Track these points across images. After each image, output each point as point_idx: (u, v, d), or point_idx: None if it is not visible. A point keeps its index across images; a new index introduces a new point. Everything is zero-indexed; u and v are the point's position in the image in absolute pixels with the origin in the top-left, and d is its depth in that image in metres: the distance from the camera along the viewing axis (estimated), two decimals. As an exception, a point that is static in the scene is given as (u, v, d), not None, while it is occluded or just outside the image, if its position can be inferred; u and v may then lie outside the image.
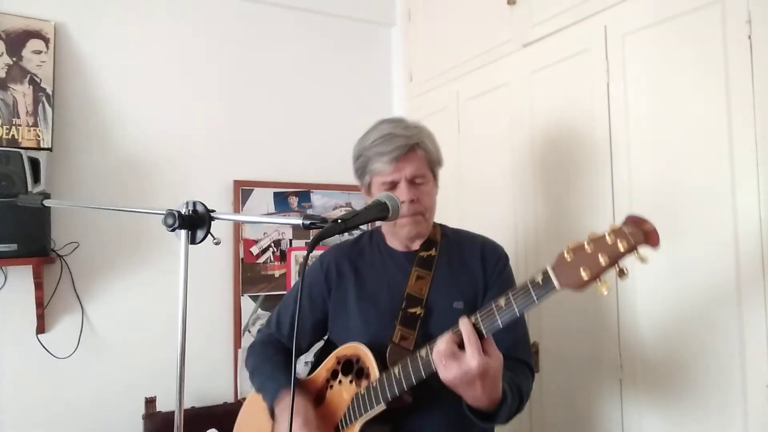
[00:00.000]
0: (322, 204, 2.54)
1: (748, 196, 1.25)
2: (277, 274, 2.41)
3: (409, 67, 2.63)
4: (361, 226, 1.30)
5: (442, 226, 1.39)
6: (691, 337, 1.38)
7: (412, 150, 1.25)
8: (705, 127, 1.35)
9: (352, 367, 1.22)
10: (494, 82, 2.05)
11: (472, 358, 0.94)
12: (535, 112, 1.86)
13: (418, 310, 1.24)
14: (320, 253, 1.45)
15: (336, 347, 1.29)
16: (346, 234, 1.07)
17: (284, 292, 2.41)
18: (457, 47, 2.25)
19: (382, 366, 1.16)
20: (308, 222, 0.89)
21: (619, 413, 1.54)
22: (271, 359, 1.37)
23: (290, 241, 2.45)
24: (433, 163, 1.31)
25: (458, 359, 0.95)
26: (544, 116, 1.82)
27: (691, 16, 1.37)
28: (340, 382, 1.24)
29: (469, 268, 1.31)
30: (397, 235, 1.32)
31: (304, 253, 2.44)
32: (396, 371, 1.10)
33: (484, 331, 0.96)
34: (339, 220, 0.93)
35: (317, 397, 1.28)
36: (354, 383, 1.20)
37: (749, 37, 1.25)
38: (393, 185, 1.25)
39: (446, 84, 2.32)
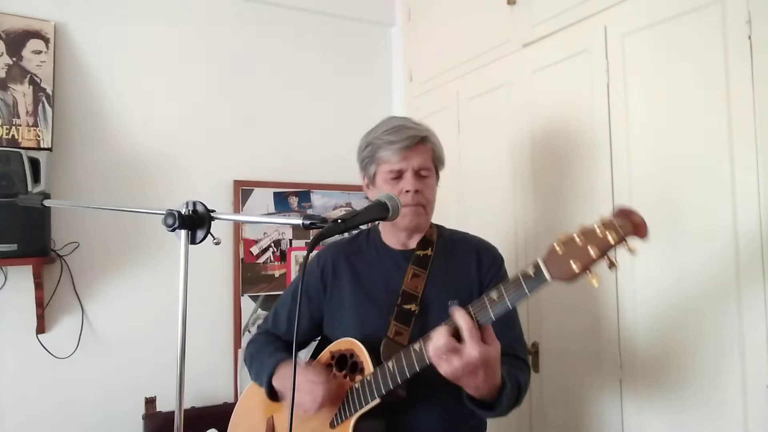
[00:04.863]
0: (322, 204, 2.54)
1: (748, 196, 1.25)
2: (277, 274, 2.41)
3: (409, 67, 2.63)
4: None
5: (438, 226, 1.40)
6: (691, 336, 1.38)
7: (422, 142, 1.29)
8: (705, 128, 1.35)
9: (346, 362, 1.23)
10: (494, 82, 2.05)
11: (473, 348, 0.95)
12: (535, 112, 1.86)
13: (413, 307, 1.25)
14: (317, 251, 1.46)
15: (331, 343, 1.29)
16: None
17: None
18: (457, 47, 2.25)
19: (376, 361, 1.17)
20: (308, 222, 0.89)
21: (619, 413, 1.54)
22: (270, 344, 1.39)
23: (290, 241, 2.45)
24: (437, 160, 1.34)
25: (459, 352, 0.96)
26: (544, 116, 1.82)
27: (691, 16, 1.37)
28: (334, 376, 1.24)
29: (465, 269, 1.32)
30: (396, 226, 1.32)
31: (304, 253, 2.44)
32: (390, 365, 1.11)
33: (479, 322, 0.97)
34: (339, 220, 0.93)
35: None
36: (348, 378, 1.21)
37: (749, 37, 1.25)
38: (399, 174, 1.27)
39: (446, 84, 2.32)
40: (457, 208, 2.20)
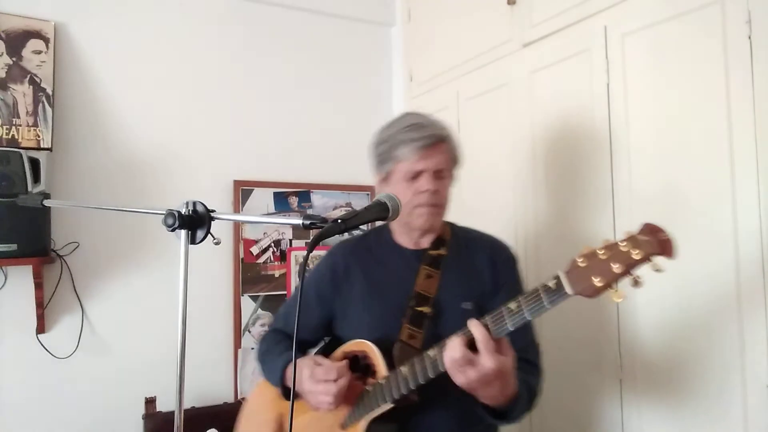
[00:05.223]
0: (322, 204, 2.54)
1: (748, 197, 1.25)
2: (277, 274, 2.41)
3: (409, 67, 2.63)
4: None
5: (451, 224, 1.37)
6: (691, 337, 1.38)
7: (441, 142, 1.24)
8: (705, 128, 1.35)
9: (358, 364, 1.21)
10: (494, 82, 2.05)
11: (488, 361, 0.93)
12: (535, 112, 1.86)
13: (426, 309, 1.22)
14: (327, 249, 1.44)
15: (341, 344, 1.28)
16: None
17: (284, 292, 2.41)
18: (457, 47, 2.25)
19: (389, 364, 1.15)
20: (308, 222, 0.89)
21: (619, 413, 1.54)
22: (280, 343, 1.37)
23: (290, 241, 2.45)
24: (454, 161, 1.30)
25: (474, 364, 0.95)
26: (544, 116, 1.82)
27: (691, 16, 1.38)
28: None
29: (479, 269, 1.29)
30: (410, 226, 1.29)
31: (304, 253, 2.44)
32: (404, 370, 1.10)
33: (493, 334, 0.96)
34: (339, 220, 0.92)
35: None
36: (360, 380, 1.20)
37: (749, 37, 1.25)
38: (417, 175, 1.23)
39: (446, 84, 2.32)
40: (457, 207, 2.19)
